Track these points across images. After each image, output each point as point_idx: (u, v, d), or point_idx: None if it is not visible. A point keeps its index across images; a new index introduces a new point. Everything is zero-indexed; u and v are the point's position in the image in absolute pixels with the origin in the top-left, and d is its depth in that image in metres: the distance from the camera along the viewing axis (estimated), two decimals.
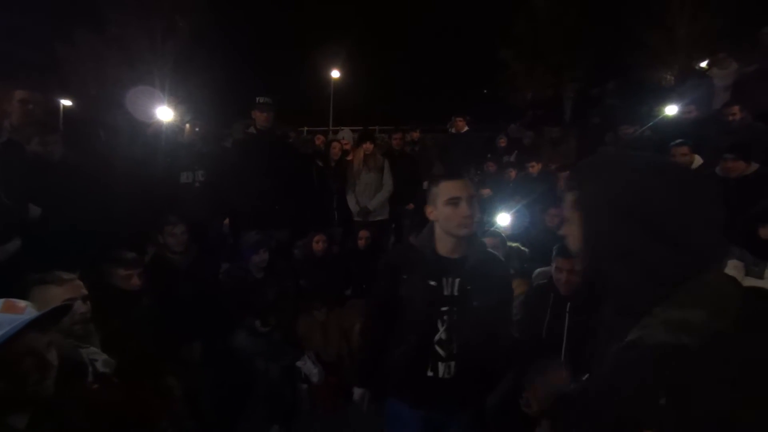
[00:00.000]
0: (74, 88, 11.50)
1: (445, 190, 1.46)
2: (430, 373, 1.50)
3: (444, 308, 1.48)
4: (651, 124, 4.51)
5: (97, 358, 1.63)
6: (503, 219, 3.39)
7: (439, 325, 1.49)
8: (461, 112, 5.73)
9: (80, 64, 12.42)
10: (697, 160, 3.40)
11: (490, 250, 1.67)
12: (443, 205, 1.45)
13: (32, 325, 1.09)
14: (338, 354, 3.11)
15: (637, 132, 4.58)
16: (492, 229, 2.96)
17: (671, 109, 4.38)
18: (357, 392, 1.79)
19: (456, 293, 1.49)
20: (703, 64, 5.95)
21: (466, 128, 5.62)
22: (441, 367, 1.49)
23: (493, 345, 1.52)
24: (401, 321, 1.57)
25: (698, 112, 4.22)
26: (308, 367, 2.89)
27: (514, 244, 2.88)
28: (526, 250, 2.88)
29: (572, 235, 0.77)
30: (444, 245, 1.52)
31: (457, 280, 1.49)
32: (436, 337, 1.49)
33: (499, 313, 1.55)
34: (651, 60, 11.44)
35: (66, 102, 10.43)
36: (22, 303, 1.15)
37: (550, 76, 12.49)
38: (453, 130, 5.80)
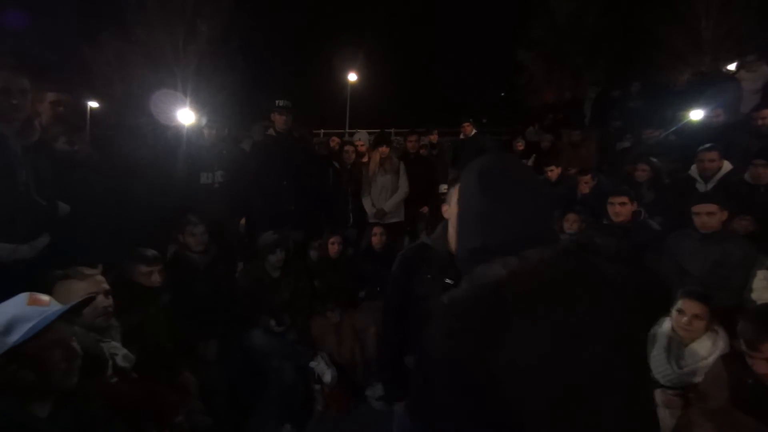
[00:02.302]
0: (100, 90, 11.88)
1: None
2: None
3: None
4: (676, 128, 4.39)
5: (118, 352, 1.68)
6: None
7: None
8: (468, 117, 5.81)
9: (106, 67, 12.84)
10: (726, 166, 3.29)
11: None
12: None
13: (61, 317, 1.13)
14: (351, 356, 3.11)
15: (662, 136, 4.46)
16: None
17: (697, 114, 4.25)
18: (372, 391, 1.79)
19: None
20: (731, 67, 5.76)
21: (473, 131, 5.62)
22: None
23: None
24: (418, 320, 1.57)
25: (726, 116, 4.08)
26: (321, 367, 2.90)
27: None
28: None
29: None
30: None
31: None
32: None
33: None
34: (675, 62, 11.14)
35: (92, 103, 10.80)
36: (45, 297, 1.19)
37: (569, 78, 12.31)
38: (462, 135, 5.82)
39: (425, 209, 4.35)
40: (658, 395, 1.92)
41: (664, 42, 11.35)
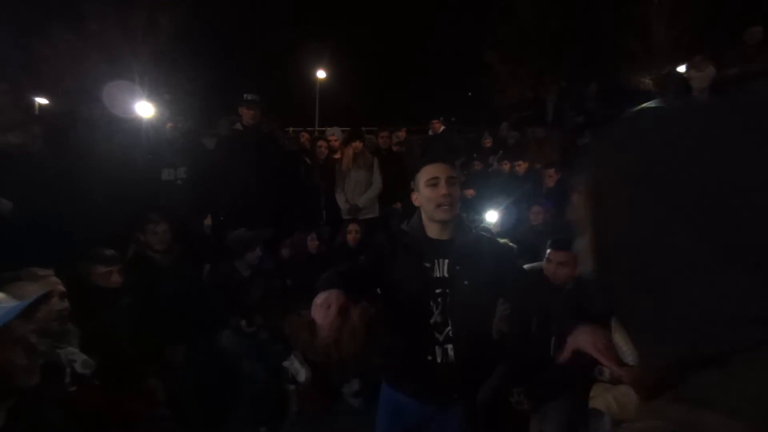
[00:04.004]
0: (50, 85, 11.09)
1: (426, 172, 1.50)
2: (428, 358, 1.48)
3: (437, 290, 1.48)
4: None
5: (76, 358, 1.56)
6: (491, 216, 3.41)
7: (434, 307, 1.48)
8: (437, 114, 5.96)
9: (56, 61, 12.00)
10: None
11: (482, 232, 1.67)
12: (424, 187, 1.49)
13: (20, 313, 1.05)
14: (326, 354, 3.06)
15: None
16: (481, 225, 2.96)
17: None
18: (348, 388, 1.75)
19: (446, 274, 1.49)
20: (681, 69, 6.14)
21: (442, 128, 5.73)
22: (438, 351, 1.48)
23: (490, 326, 1.51)
24: (395, 306, 1.55)
25: None
26: (295, 367, 2.83)
27: (502, 241, 2.89)
28: (515, 246, 2.89)
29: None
30: (432, 230, 1.53)
31: (446, 261, 1.49)
32: (432, 321, 1.48)
33: (496, 291, 1.54)
34: (630, 64, 11.77)
35: (42, 100, 10.06)
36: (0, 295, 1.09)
37: (532, 78, 12.71)
38: (431, 132, 5.90)
39: (398, 205, 4.34)
40: (626, 372, 2.00)
41: (620, 45, 11.97)
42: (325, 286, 1.26)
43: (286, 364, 2.81)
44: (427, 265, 1.48)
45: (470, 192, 4.79)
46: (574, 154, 5.16)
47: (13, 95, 2.17)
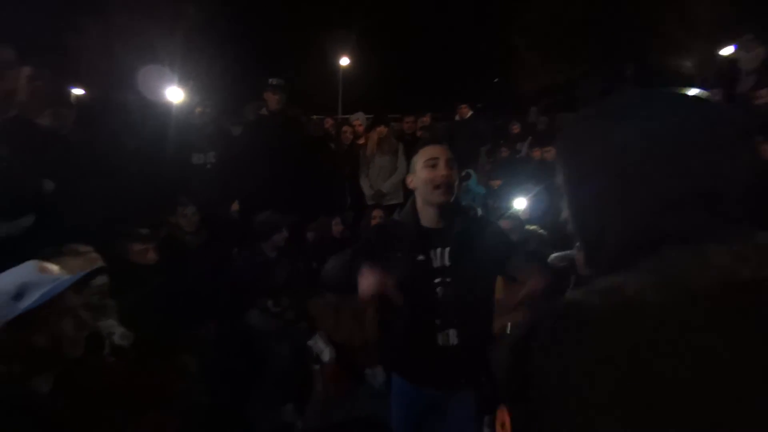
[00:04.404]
0: (85, 76, 11.53)
1: (424, 153, 1.45)
2: (430, 345, 1.47)
3: (437, 280, 1.45)
4: None
5: (115, 331, 1.63)
6: (520, 203, 3.33)
7: (434, 296, 1.46)
8: (465, 100, 5.73)
9: (89, 53, 12.44)
10: None
11: (479, 215, 1.63)
12: (421, 168, 1.44)
13: (70, 286, 1.10)
14: (350, 337, 3.10)
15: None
16: (510, 212, 2.90)
17: (692, 92, 4.24)
18: (372, 372, 1.76)
19: (447, 263, 1.45)
20: (726, 50, 5.75)
21: (470, 113, 5.57)
22: (440, 337, 1.46)
23: (493, 308, 1.47)
24: (395, 298, 1.54)
25: (722, 96, 4.08)
26: (319, 346, 2.88)
27: (532, 227, 2.83)
28: (544, 233, 2.82)
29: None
30: (427, 217, 1.48)
31: (447, 250, 1.45)
32: (432, 308, 1.46)
33: (498, 273, 1.51)
34: (668, 46, 11.12)
35: (78, 91, 10.48)
36: (54, 266, 1.15)
37: (562, 62, 12.22)
38: (457, 117, 5.75)
39: None
40: None
41: (658, 26, 11.30)
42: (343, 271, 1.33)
43: (310, 343, 2.86)
44: (421, 257, 1.44)
45: (497, 183, 4.70)
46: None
47: (42, 79, 2.24)
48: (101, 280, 1.64)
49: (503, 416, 0.63)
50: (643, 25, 11.09)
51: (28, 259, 1.61)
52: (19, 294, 1.02)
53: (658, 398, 0.39)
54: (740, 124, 0.50)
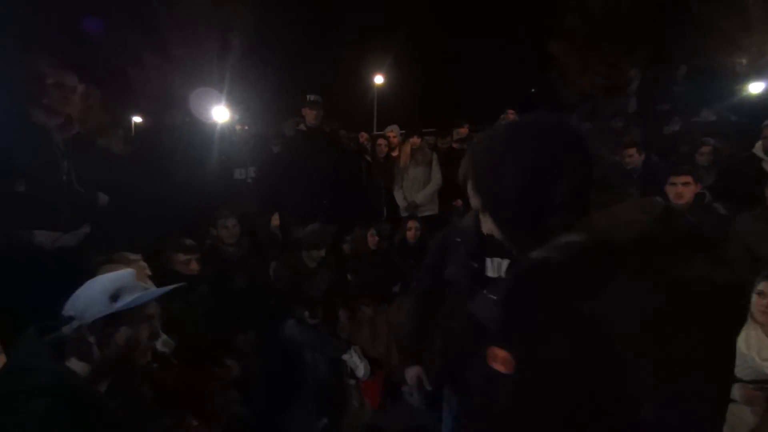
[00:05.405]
0: (143, 104, 12.53)
1: None
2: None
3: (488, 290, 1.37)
4: (733, 106, 4.02)
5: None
6: None
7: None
8: (502, 111, 5.48)
9: (147, 82, 13.57)
10: None
11: None
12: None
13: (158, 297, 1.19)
14: (386, 351, 3.03)
15: (720, 116, 4.10)
16: None
17: (756, 87, 3.88)
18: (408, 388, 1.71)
19: (503, 275, 1.37)
20: None
21: None
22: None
23: None
24: (448, 305, 1.50)
25: None
26: (354, 361, 2.83)
27: None
28: None
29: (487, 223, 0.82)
30: (488, 225, 1.41)
31: (505, 261, 1.37)
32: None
33: None
34: (722, 43, 10.38)
35: (137, 119, 11.39)
36: (146, 278, 1.23)
37: (605, 66, 11.73)
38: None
39: (459, 203, 4.21)
40: (737, 390, 1.71)
41: (709, 24, 10.60)
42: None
43: (345, 357, 2.82)
44: (475, 264, 1.38)
45: None
46: (660, 143, 4.63)
47: (98, 100, 2.40)
48: (147, 287, 1.70)
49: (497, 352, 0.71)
50: (692, 23, 10.48)
51: (85, 266, 1.72)
52: (116, 295, 1.11)
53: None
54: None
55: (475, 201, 0.80)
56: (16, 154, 1.77)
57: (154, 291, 1.18)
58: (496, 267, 1.38)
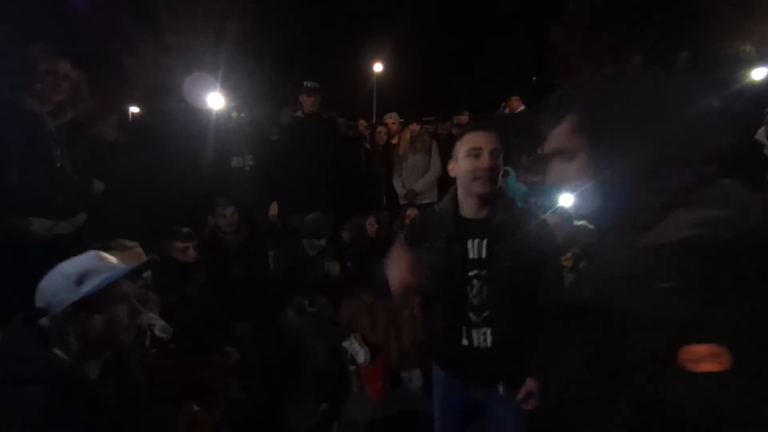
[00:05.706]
0: (139, 93, 12.38)
1: (467, 141, 1.37)
2: (465, 342, 1.40)
3: (472, 272, 1.38)
4: (736, 92, 3.98)
5: (155, 323, 1.67)
6: (566, 199, 3.14)
7: (468, 290, 1.38)
8: (502, 101, 5.35)
9: (143, 72, 13.39)
10: None
11: (520, 207, 1.53)
12: (464, 157, 1.36)
13: (127, 274, 1.15)
14: (386, 338, 3.04)
15: (724, 104, 4.05)
16: (558, 206, 2.75)
17: (759, 73, 3.84)
18: (408, 375, 1.71)
19: (484, 256, 1.37)
20: None
21: (521, 107, 5.21)
22: (475, 334, 1.39)
23: (531, 308, 1.36)
24: (430, 288, 1.47)
25: None
26: (354, 347, 2.85)
27: (580, 222, 2.66)
28: (593, 227, 2.64)
29: (578, 168, 0.71)
30: (467, 207, 1.41)
31: (485, 242, 1.37)
32: (467, 303, 1.39)
33: (537, 271, 1.39)
34: (724, 30, 10.24)
35: (134, 108, 11.28)
36: (111, 256, 1.20)
37: (607, 53, 11.59)
38: (507, 110, 5.41)
39: None
40: None
41: (710, 10, 10.45)
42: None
43: (345, 344, 2.83)
44: (457, 247, 1.37)
45: (537, 177, 4.47)
46: None
47: (94, 87, 2.34)
48: (145, 273, 1.70)
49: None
50: (694, 10, 10.34)
51: (81, 252, 1.71)
52: (80, 280, 1.08)
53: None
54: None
55: (570, 143, 0.70)
56: (8, 142, 1.75)
57: (122, 269, 1.13)
58: (476, 248, 1.38)
